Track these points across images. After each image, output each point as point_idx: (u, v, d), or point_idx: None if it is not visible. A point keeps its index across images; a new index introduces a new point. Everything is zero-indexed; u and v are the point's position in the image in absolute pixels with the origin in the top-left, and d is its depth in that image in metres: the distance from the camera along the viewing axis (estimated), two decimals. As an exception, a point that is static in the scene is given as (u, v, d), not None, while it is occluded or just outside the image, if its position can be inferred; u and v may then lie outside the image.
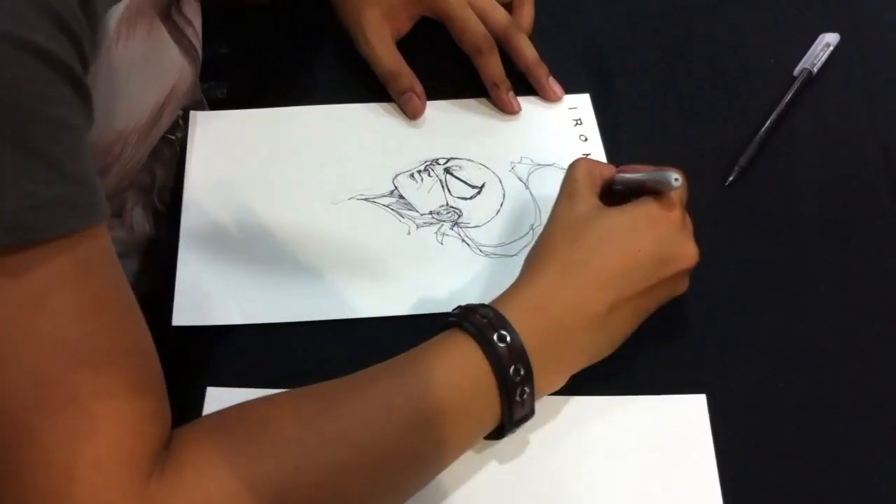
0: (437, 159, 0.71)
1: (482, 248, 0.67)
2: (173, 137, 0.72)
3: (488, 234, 0.67)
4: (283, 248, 0.66)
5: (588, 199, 0.60)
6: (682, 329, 0.64)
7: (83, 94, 0.45)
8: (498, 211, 0.69)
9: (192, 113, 0.72)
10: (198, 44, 0.68)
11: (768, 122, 0.74)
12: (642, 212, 0.59)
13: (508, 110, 0.74)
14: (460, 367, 0.53)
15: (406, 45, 0.75)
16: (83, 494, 0.43)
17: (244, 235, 0.66)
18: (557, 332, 0.55)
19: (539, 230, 0.67)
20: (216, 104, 0.75)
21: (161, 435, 0.47)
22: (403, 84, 0.73)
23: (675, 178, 0.57)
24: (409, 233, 0.67)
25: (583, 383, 0.58)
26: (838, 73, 0.79)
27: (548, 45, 0.77)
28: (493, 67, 0.73)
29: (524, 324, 0.54)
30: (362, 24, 0.74)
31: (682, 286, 0.61)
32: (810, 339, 0.63)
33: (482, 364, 0.53)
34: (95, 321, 0.44)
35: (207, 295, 0.63)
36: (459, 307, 0.56)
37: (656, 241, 0.58)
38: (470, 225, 0.68)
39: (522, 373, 0.53)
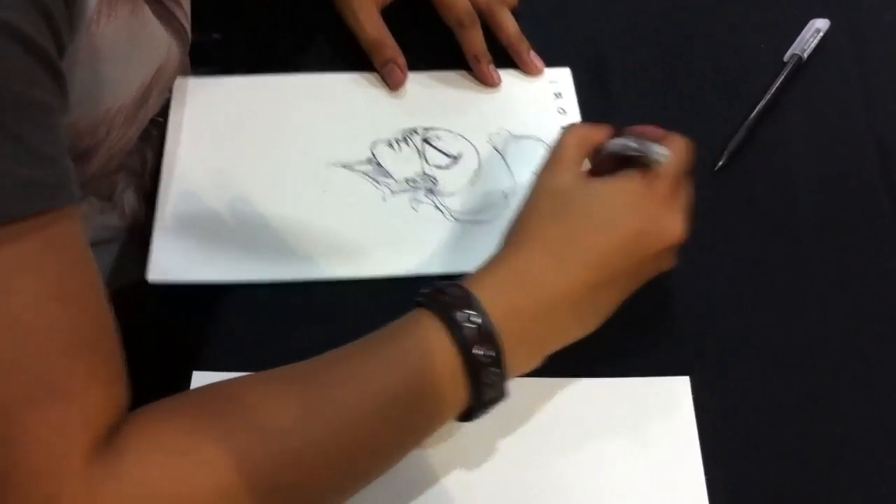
0: (416, 129, 0.72)
1: (455, 214, 0.68)
2: (163, 120, 0.72)
3: (462, 202, 0.68)
4: (260, 211, 0.67)
5: (574, 169, 0.59)
6: (669, 314, 0.64)
7: (57, 76, 0.45)
8: (473, 180, 0.70)
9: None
10: (187, 24, 0.68)
11: (758, 107, 0.75)
12: (626, 187, 0.57)
13: (489, 83, 0.74)
14: (426, 348, 0.52)
15: (391, 17, 0.76)
16: (28, 479, 0.43)
17: (222, 197, 0.68)
18: (534, 311, 0.54)
19: (513, 199, 0.68)
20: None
21: (111, 420, 0.46)
22: (386, 55, 0.74)
23: (659, 153, 0.55)
24: (384, 199, 0.68)
25: (568, 365, 0.58)
26: (830, 59, 0.79)
27: (542, 32, 0.78)
28: (474, 41, 0.74)
29: (497, 303, 0.53)
30: None
31: (669, 262, 0.59)
32: (799, 328, 0.64)
33: (448, 345, 0.51)
34: (58, 305, 0.44)
35: (184, 253, 0.64)
36: (429, 286, 0.54)
37: (640, 217, 0.56)
38: (444, 192, 0.69)
39: (491, 354, 0.52)
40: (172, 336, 0.63)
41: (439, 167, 0.70)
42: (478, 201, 0.69)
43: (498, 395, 0.53)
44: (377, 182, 0.69)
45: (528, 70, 0.76)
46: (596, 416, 0.59)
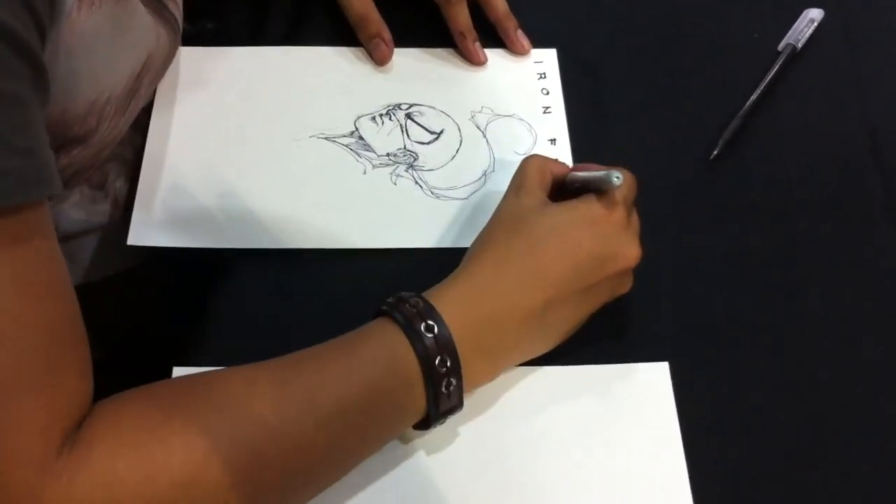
0: (400, 104, 0.73)
1: (434, 190, 0.68)
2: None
3: (441, 178, 0.69)
4: (241, 179, 0.68)
5: (535, 194, 0.60)
6: (654, 300, 0.64)
7: (38, 69, 0.45)
8: (453, 157, 0.70)
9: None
10: (179, 14, 0.68)
11: (753, 96, 0.75)
12: (584, 210, 0.58)
13: (474, 60, 0.75)
14: (385, 356, 0.53)
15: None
16: None
17: (205, 165, 0.68)
18: (489, 325, 0.55)
19: (492, 177, 0.69)
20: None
21: (79, 412, 0.46)
22: (372, 30, 0.74)
23: (615, 176, 0.56)
24: (364, 172, 0.69)
25: (546, 353, 0.59)
26: (824, 49, 0.79)
27: (532, 13, 0.78)
28: (459, 17, 0.74)
29: (455, 315, 0.54)
30: None
31: (625, 286, 0.60)
32: (789, 315, 0.64)
33: (408, 354, 0.52)
34: (29, 298, 0.44)
35: (163, 219, 0.65)
36: (393, 296, 0.55)
37: (597, 239, 0.57)
38: (424, 168, 0.69)
39: (449, 364, 0.53)
40: (152, 329, 0.63)
41: (421, 143, 0.71)
42: (457, 178, 0.69)
43: (456, 404, 0.55)
44: (359, 155, 0.70)
45: (514, 49, 0.76)
46: (575, 404, 0.59)
